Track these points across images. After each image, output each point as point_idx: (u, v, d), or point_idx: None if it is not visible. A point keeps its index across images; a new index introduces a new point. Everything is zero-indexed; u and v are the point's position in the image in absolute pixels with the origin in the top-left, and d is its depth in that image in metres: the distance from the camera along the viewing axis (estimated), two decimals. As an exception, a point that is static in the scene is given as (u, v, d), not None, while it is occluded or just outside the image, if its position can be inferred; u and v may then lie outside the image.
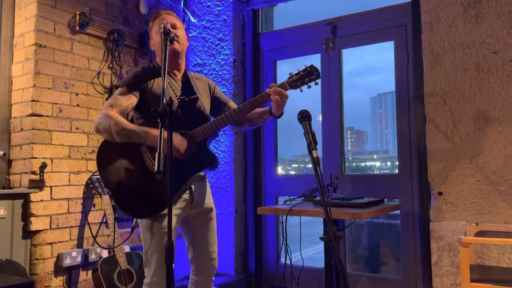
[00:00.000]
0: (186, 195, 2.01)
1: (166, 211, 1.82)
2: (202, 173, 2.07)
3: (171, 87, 2.03)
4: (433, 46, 2.87)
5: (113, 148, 1.93)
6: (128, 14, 3.35)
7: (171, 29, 1.90)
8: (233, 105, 2.23)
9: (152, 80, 2.01)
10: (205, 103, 2.12)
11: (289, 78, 2.01)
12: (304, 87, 2.00)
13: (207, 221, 2.12)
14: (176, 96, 2.03)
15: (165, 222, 1.88)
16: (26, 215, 2.66)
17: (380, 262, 3.70)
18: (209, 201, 2.15)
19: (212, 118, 2.03)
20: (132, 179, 1.92)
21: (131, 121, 2.03)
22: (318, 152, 1.75)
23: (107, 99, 3.14)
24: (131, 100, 1.94)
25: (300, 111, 1.86)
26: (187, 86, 2.09)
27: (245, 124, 2.21)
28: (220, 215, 3.74)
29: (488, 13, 2.71)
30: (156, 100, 1.94)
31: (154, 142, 1.86)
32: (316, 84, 2.00)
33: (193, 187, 2.03)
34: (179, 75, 2.11)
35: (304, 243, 2.70)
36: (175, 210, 1.96)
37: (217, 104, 2.22)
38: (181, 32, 2.07)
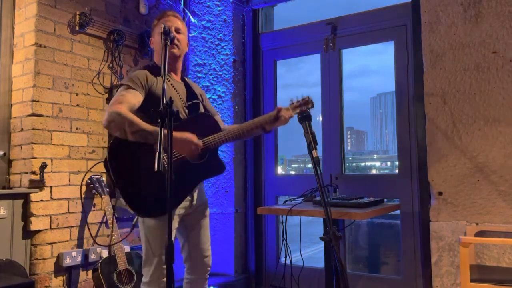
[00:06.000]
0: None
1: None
2: None
3: (174, 88, 2.05)
4: (433, 46, 2.87)
5: (126, 147, 1.89)
6: (128, 14, 3.35)
7: (175, 34, 2.01)
8: (219, 119, 2.25)
9: (155, 80, 2.00)
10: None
11: (290, 104, 2.12)
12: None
13: (201, 219, 2.14)
14: (181, 99, 2.05)
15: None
16: (26, 215, 2.66)
17: (380, 262, 3.70)
18: (204, 199, 2.18)
19: None
20: (143, 179, 1.90)
21: None
22: (318, 152, 1.75)
23: (107, 99, 3.14)
24: (138, 98, 1.92)
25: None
26: (188, 89, 2.13)
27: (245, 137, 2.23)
28: (220, 215, 3.74)
29: (488, 13, 2.71)
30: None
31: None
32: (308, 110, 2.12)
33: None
34: (177, 78, 2.13)
35: (304, 243, 2.70)
36: (179, 210, 1.99)
37: None
38: (183, 36, 2.10)
